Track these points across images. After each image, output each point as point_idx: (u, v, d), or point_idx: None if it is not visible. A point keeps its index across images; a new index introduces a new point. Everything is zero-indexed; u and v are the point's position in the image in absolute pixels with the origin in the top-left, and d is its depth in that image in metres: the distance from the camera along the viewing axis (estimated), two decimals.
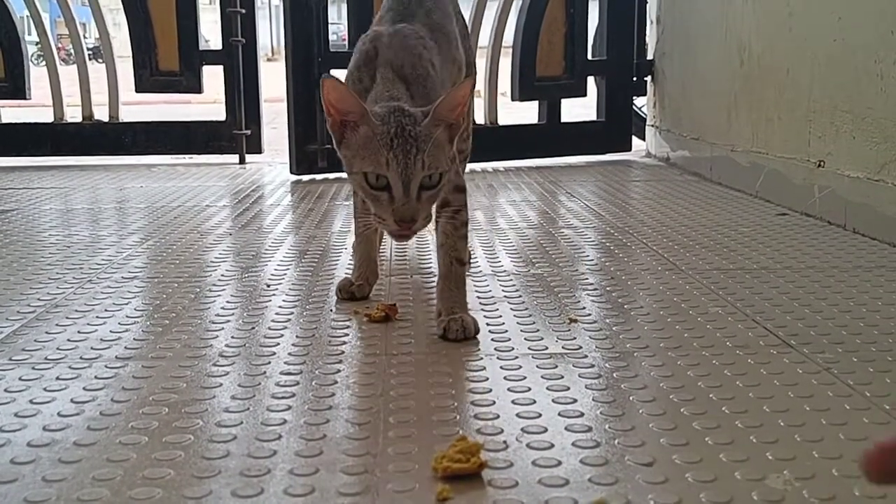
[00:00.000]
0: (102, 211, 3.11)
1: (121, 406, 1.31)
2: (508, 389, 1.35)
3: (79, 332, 1.67)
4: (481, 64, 4.25)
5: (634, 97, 4.53)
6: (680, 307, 1.81)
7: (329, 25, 3.93)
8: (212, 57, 4.33)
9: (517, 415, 1.26)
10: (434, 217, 1.61)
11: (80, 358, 1.52)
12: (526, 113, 4.59)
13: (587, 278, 2.06)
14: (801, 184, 2.82)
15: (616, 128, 4.40)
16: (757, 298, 1.86)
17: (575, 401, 1.31)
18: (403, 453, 1.14)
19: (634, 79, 4.41)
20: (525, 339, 1.61)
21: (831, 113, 2.65)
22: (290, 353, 1.54)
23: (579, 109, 4.62)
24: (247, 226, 2.77)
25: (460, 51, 1.93)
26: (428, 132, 1.43)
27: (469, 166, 4.13)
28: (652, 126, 4.47)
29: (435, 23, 1.82)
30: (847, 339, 1.59)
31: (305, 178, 3.82)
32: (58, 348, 1.57)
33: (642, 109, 4.72)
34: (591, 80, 4.39)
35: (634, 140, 4.49)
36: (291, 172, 3.90)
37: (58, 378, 1.42)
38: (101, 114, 4.42)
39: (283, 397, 1.34)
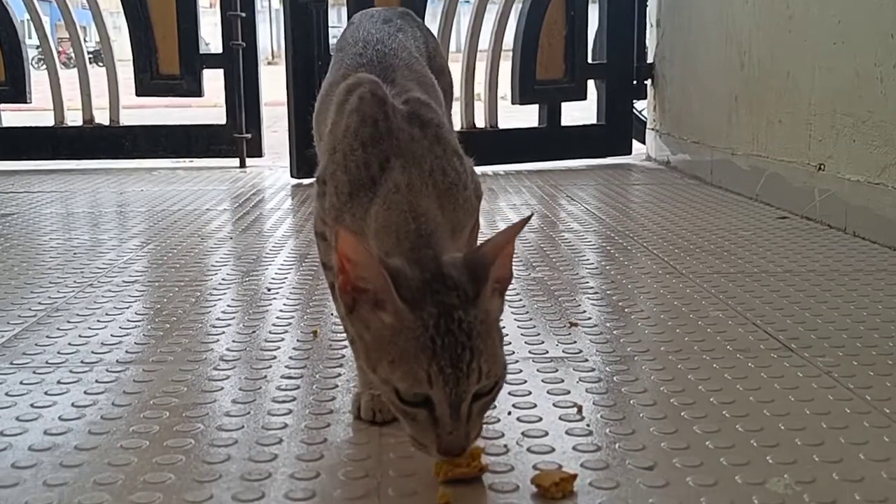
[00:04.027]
0: (103, 215, 3.11)
1: (122, 410, 1.31)
2: (509, 393, 1.35)
3: (80, 336, 1.67)
4: (481, 67, 4.27)
5: (634, 100, 4.53)
6: (680, 311, 1.81)
7: (329, 29, 3.93)
8: (212, 60, 4.33)
9: (518, 419, 1.26)
10: None
11: (81, 362, 1.52)
12: (526, 116, 4.59)
13: (587, 282, 2.06)
14: (802, 187, 2.82)
15: (616, 131, 4.40)
16: (757, 302, 1.86)
17: (575, 405, 1.31)
18: (404, 457, 1.14)
19: (634, 82, 4.41)
20: (525, 342, 1.61)
21: (831, 116, 2.65)
22: (290, 357, 1.54)
23: (579, 113, 4.63)
24: (247, 230, 2.77)
25: (444, 108, 1.45)
26: (484, 314, 1.01)
27: None
28: (652, 129, 4.47)
29: (420, 76, 1.42)
30: (847, 343, 1.59)
31: (306, 181, 3.82)
32: (59, 352, 1.57)
33: (642, 113, 4.72)
34: (591, 84, 4.39)
35: (634, 143, 4.49)
36: (292, 176, 3.90)
37: (59, 382, 1.42)
38: (102, 117, 4.43)
39: (283, 401, 1.34)
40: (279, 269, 2.22)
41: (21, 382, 1.42)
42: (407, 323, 0.98)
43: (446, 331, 0.97)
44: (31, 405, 1.32)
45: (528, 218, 1.08)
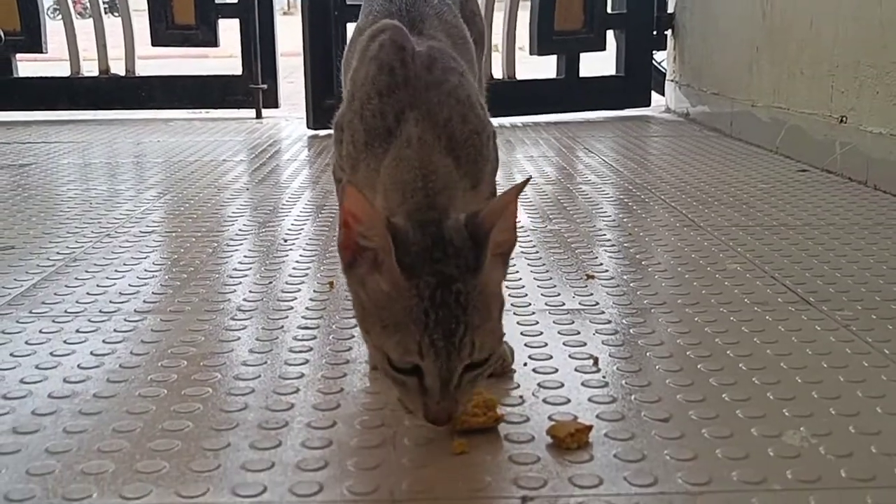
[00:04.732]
0: (120, 165, 3.11)
1: (140, 359, 1.32)
2: (525, 345, 1.35)
3: (98, 285, 1.68)
4: (499, 18, 4.22)
5: (654, 51, 4.48)
6: (698, 263, 1.80)
7: None
8: (228, 10, 4.30)
9: (534, 370, 1.26)
10: None
11: (100, 311, 1.53)
12: (544, 67, 4.54)
13: (605, 234, 2.05)
14: (823, 140, 2.79)
15: (635, 83, 4.35)
16: (776, 255, 1.85)
17: (591, 356, 1.31)
18: None
19: (654, 32, 4.35)
20: (542, 294, 1.61)
21: (855, 67, 2.61)
22: (307, 308, 1.55)
23: (598, 64, 4.57)
24: (264, 181, 2.77)
25: (475, 61, 1.45)
26: (483, 284, 0.98)
27: None
28: (672, 81, 4.42)
29: (450, 26, 1.36)
30: (866, 297, 1.58)
31: (322, 133, 3.80)
32: (77, 302, 1.58)
33: (662, 64, 4.66)
34: (610, 34, 4.33)
35: (654, 95, 4.44)
36: (308, 127, 3.89)
37: (77, 331, 1.43)
38: (118, 68, 4.41)
39: (300, 351, 1.35)
40: (295, 220, 2.22)
41: (40, 331, 1.43)
42: (402, 291, 0.96)
43: (442, 303, 0.95)
44: (51, 353, 1.34)
45: (527, 180, 1.03)
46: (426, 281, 0.95)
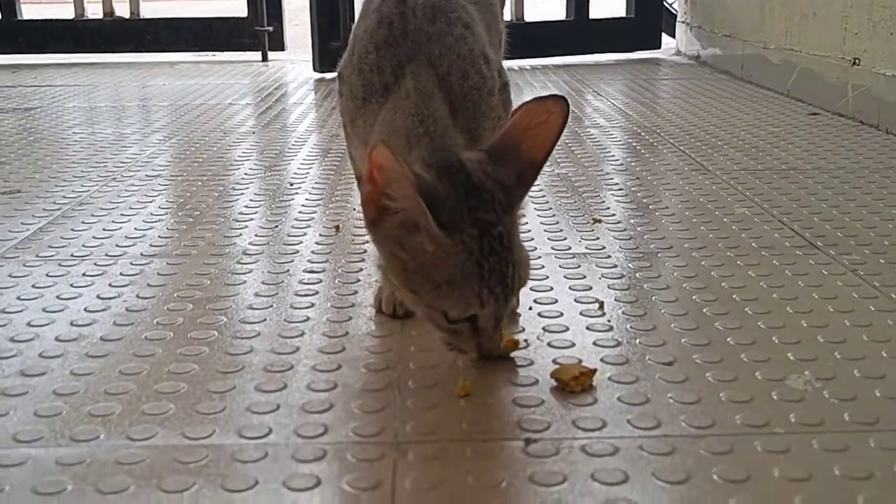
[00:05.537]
0: (126, 109, 3.10)
1: (146, 302, 1.32)
2: (531, 289, 1.35)
3: (104, 229, 1.68)
4: None
5: None
6: (706, 208, 1.79)
7: None
8: None
9: (539, 314, 1.26)
10: None
11: (106, 255, 1.53)
12: (553, 9, 4.48)
13: (612, 178, 2.04)
14: (835, 82, 2.75)
15: (646, 24, 4.29)
16: (785, 199, 1.84)
17: (597, 300, 1.31)
18: (425, 350, 1.15)
19: None
20: (548, 238, 1.60)
21: (869, 8, 2.56)
22: (313, 251, 1.55)
23: (608, 5, 4.51)
24: (270, 124, 2.75)
25: (497, 16, 1.41)
26: (517, 217, 1.03)
27: None
28: (683, 23, 4.36)
29: None
30: (875, 241, 1.57)
31: (329, 75, 3.77)
32: (83, 245, 1.58)
33: (673, 5, 4.60)
34: None
35: (664, 37, 4.38)
36: (314, 70, 3.85)
37: (84, 274, 1.44)
38: (122, 10, 4.37)
39: (306, 294, 1.35)
40: (301, 163, 2.21)
41: (47, 275, 1.44)
42: (448, 249, 0.95)
43: (490, 250, 0.96)
44: (57, 297, 1.34)
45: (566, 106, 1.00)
46: (469, 234, 0.96)
